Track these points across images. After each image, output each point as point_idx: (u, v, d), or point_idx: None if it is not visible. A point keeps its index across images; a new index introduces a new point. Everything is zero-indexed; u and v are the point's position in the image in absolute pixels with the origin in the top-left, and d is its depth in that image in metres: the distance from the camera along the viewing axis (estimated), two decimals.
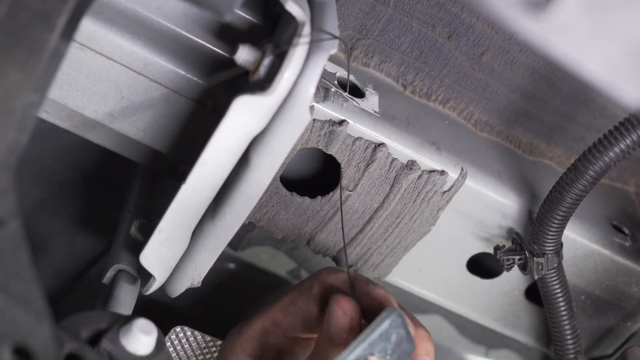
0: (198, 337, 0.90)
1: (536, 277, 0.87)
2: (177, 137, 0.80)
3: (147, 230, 0.81)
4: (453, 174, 0.84)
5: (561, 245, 0.86)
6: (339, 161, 0.82)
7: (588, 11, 0.46)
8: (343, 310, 0.70)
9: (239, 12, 0.80)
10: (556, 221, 0.83)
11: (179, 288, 0.81)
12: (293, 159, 0.82)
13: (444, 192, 0.85)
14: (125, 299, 0.84)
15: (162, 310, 0.85)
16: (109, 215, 1.05)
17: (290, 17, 0.71)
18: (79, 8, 0.58)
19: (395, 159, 0.83)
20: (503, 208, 0.88)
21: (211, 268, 0.80)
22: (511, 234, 0.89)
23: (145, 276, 0.80)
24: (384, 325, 0.68)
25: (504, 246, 0.88)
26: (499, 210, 0.88)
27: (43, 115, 0.80)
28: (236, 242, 1.07)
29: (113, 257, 0.85)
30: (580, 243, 0.91)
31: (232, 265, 1.08)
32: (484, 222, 0.89)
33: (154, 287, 0.79)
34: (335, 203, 0.85)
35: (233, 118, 0.69)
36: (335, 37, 0.71)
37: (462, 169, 0.85)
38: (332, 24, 0.72)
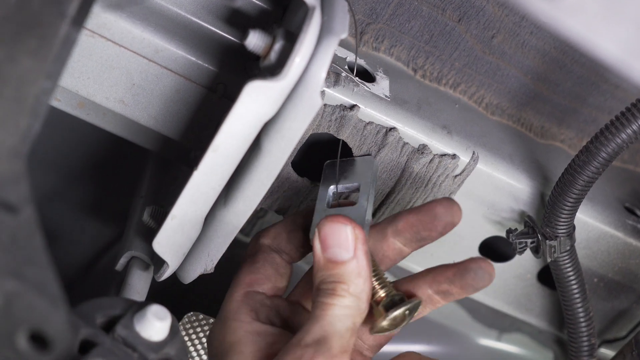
0: (211, 323, 0.90)
1: (549, 260, 0.87)
2: (188, 123, 0.81)
3: (160, 217, 0.81)
4: (464, 158, 0.84)
5: (573, 228, 0.86)
6: (351, 146, 0.82)
7: None
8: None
9: None
10: (568, 204, 0.83)
11: (191, 274, 0.81)
12: (304, 144, 0.82)
13: (456, 176, 0.85)
14: (138, 286, 0.84)
15: (175, 297, 0.85)
16: (121, 202, 1.05)
17: (300, 2, 0.71)
18: None
19: (407, 143, 0.82)
20: (515, 191, 0.88)
21: (224, 254, 0.80)
22: (523, 217, 0.89)
23: (158, 262, 0.81)
24: None
25: (516, 229, 0.88)
26: (510, 194, 0.88)
27: (54, 103, 0.80)
28: (248, 228, 1.07)
29: (126, 244, 0.86)
30: (592, 225, 0.91)
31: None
32: (495, 206, 0.89)
33: (167, 273, 0.79)
34: None
35: (244, 104, 0.69)
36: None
37: (473, 153, 0.85)
38: (342, 8, 0.72)
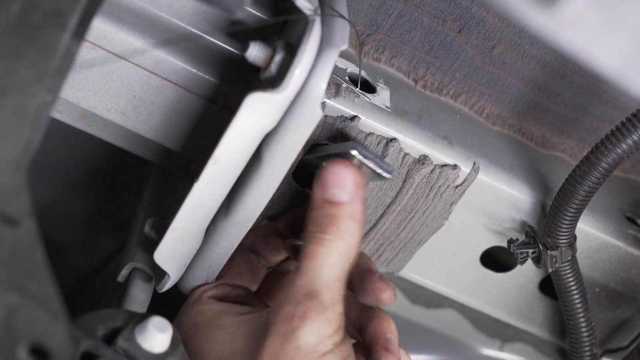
0: None
1: (550, 270, 0.87)
2: (189, 135, 0.81)
3: (161, 228, 0.81)
4: (465, 168, 0.84)
5: (575, 237, 0.86)
6: None
7: (599, 3, 0.46)
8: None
9: (249, 9, 0.80)
10: (569, 214, 0.83)
11: (193, 285, 0.81)
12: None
13: (457, 187, 0.85)
14: (139, 297, 0.84)
15: (177, 308, 0.85)
16: (122, 213, 1.05)
17: (301, 14, 0.71)
18: (90, 7, 0.58)
19: (408, 153, 0.83)
20: (516, 201, 0.88)
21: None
22: (524, 227, 0.89)
23: (159, 274, 0.81)
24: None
25: (517, 239, 0.88)
26: (511, 204, 0.88)
27: (56, 115, 0.80)
28: None
29: (127, 256, 0.86)
30: (594, 235, 0.91)
31: None
32: (497, 216, 0.89)
33: (168, 284, 0.79)
34: None
35: (245, 115, 0.69)
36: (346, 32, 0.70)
37: (474, 163, 0.85)
38: (342, 19, 0.72)
